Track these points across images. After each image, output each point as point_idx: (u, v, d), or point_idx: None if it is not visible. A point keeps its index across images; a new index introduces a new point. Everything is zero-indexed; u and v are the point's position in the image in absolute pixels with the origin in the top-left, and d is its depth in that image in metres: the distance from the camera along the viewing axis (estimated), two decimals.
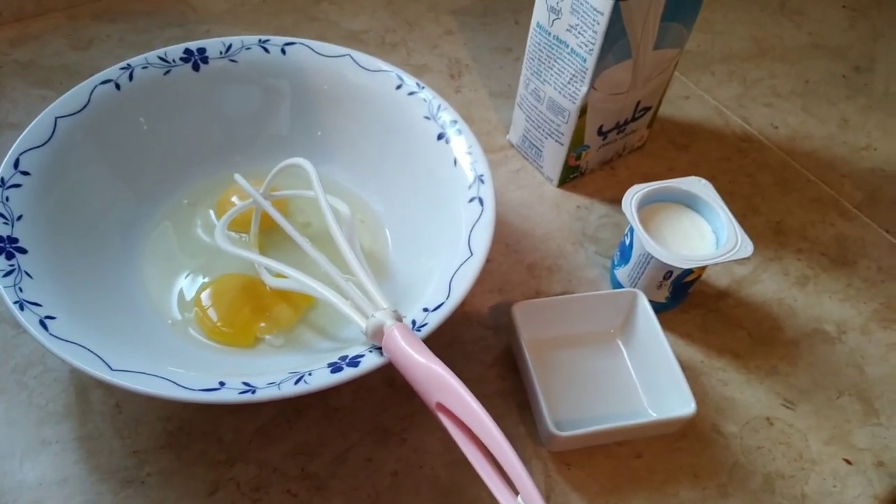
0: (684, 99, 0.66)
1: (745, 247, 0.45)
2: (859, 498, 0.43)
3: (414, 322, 0.38)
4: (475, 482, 0.40)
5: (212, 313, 0.44)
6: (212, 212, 0.49)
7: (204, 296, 0.45)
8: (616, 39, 0.47)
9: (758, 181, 0.59)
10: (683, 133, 0.62)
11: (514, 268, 0.51)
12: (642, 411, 0.44)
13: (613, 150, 0.57)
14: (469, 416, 0.32)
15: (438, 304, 0.39)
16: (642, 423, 0.42)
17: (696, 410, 0.41)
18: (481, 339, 0.47)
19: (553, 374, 0.45)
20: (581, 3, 0.46)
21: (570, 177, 0.57)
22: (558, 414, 0.43)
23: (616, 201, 0.56)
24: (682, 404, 0.41)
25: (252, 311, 0.45)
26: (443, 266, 0.42)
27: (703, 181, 0.48)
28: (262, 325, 0.44)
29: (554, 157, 0.55)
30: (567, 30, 0.48)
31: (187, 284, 0.46)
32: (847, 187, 0.60)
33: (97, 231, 0.44)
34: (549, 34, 0.49)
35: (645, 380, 0.45)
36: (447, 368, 0.33)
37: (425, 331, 0.37)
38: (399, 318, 0.36)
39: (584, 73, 0.48)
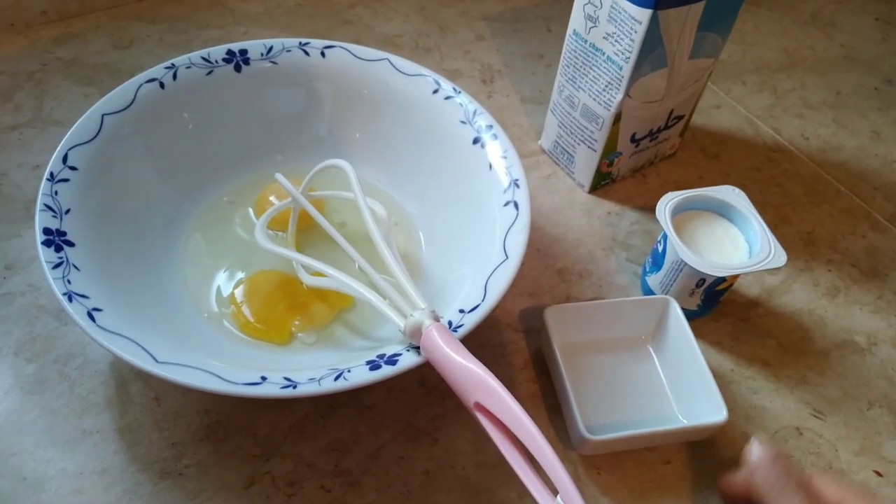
0: (716, 108, 0.66)
1: (779, 256, 0.45)
2: None
3: (450, 323, 0.38)
4: (505, 484, 0.41)
5: (246, 309, 0.45)
6: (251, 210, 0.50)
7: (239, 292, 0.46)
8: (653, 48, 0.47)
9: (788, 191, 0.59)
10: (714, 142, 0.63)
11: (544, 272, 0.52)
12: (673, 417, 0.44)
13: (645, 157, 0.58)
14: (508, 416, 0.32)
15: (474, 305, 0.39)
16: (673, 429, 0.42)
17: (728, 418, 0.41)
18: (511, 342, 0.48)
19: (584, 378, 0.45)
20: (619, 12, 0.46)
21: (602, 183, 0.57)
22: (589, 418, 0.43)
23: (647, 208, 0.56)
24: (713, 411, 0.42)
25: (287, 308, 0.46)
26: (477, 268, 0.43)
27: (737, 190, 0.48)
28: (297, 322, 0.45)
29: (586, 163, 0.55)
30: (604, 37, 0.48)
31: (225, 280, 0.47)
32: (878, 199, 0.60)
33: (140, 225, 0.45)
34: (586, 41, 0.50)
35: (676, 386, 0.45)
36: (485, 368, 0.34)
37: (461, 332, 0.37)
38: (437, 319, 0.37)
39: (620, 80, 0.49)
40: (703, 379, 0.43)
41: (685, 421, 0.44)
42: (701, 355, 0.43)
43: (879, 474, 0.44)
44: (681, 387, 0.45)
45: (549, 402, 0.45)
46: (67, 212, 0.41)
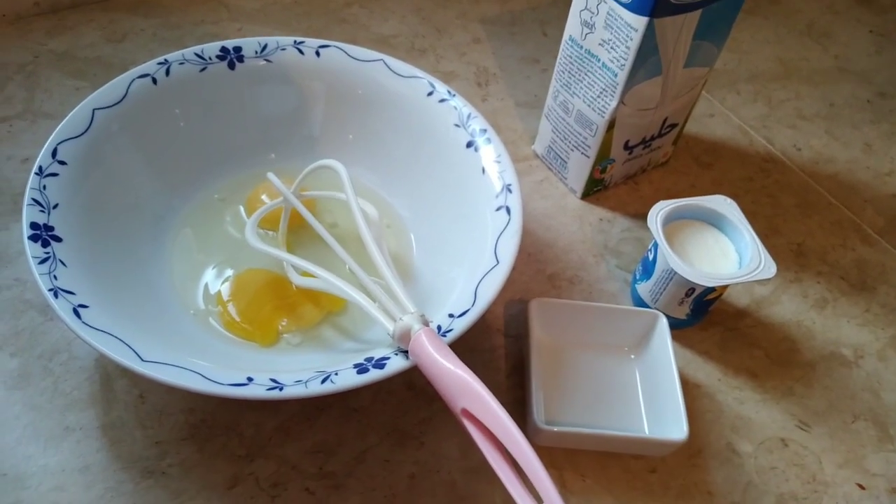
0: (709, 117, 0.66)
1: (769, 267, 0.45)
2: None
3: (439, 327, 0.38)
4: (490, 489, 0.41)
5: (232, 308, 0.45)
6: (241, 208, 0.50)
7: (226, 290, 0.46)
8: (648, 56, 0.47)
9: (780, 202, 0.60)
10: (707, 151, 0.63)
11: (535, 277, 0.52)
12: (639, 428, 0.44)
13: (638, 164, 0.58)
14: (494, 423, 0.32)
15: (464, 310, 0.39)
16: (629, 436, 0.43)
17: (687, 438, 0.41)
18: (499, 347, 0.48)
19: (558, 374, 0.45)
20: (615, 19, 0.46)
21: (594, 189, 0.57)
22: (556, 414, 0.43)
23: (638, 216, 0.56)
24: (676, 429, 0.42)
25: (274, 308, 0.45)
26: (468, 273, 0.43)
27: (729, 200, 0.48)
28: (284, 322, 0.45)
29: (579, 169, 0.55)
30: (600, 44, 0.48)
31: (213, 277, 0.46)
32: (869, 212, 0.60)
33: (129, 222, 0.45)
34: (581, 48, 0.50)
35: (649, 399, 0.45)
36: (473, 375, 0.34)
37: (450, 337, 0.37)
38: (426, 323, 0.37)
39: (615, 87, 0.49)
40: (674, 397, 0.43)
41: (648, 433, 0.44)
42: (677, 374, 0.43)
43: (862, 487, 0.44)
44: (653, 400, 0.45)
45: None
46: (56, 207, 0.40)
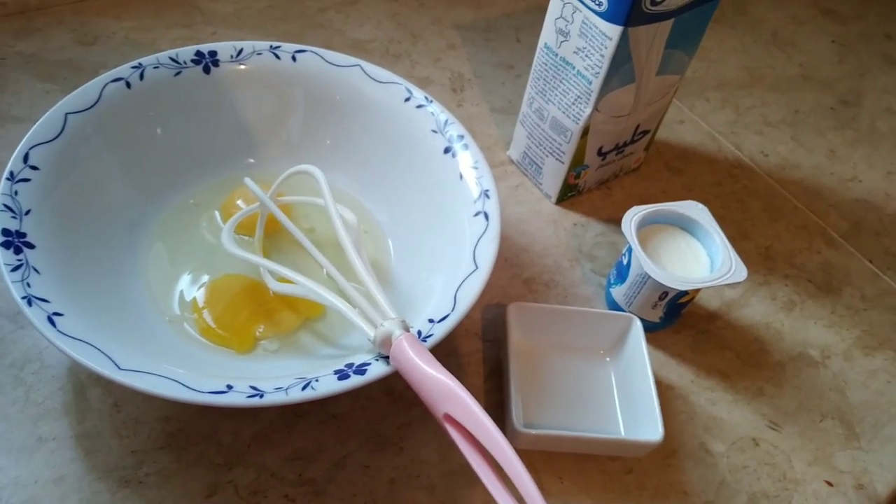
0: (679, 123, 0.67)
1: (740, 271, 0.46)
2: None
3: (419, 332, 0.39)
4: (471, 492, 0.42)
5: (207, 314, 0.44)
6: (217, 213, 0.49)
7: (201, 295, 0.45)
8: (622, 64, 0.48)
9: (748, 207, 0.61)
10: (678, 157, 0.64)
11: (511, 282, 0.52)
12: (615, 430, 0.45)
13: (611, 170, 0.59)
14: (477, 428, 0.32)
15: (444, 315, 0.39)
16: (606, 438, 0.44)
17: (663, 439, 0.42)
18: (477, 351, 0.48)
19: (536, 378, 0.46)
20: (590, 27, 0.47)
21: (569, 195, 0.58)
22: (533, 417, 0.44)
23: (611, 220, 0.57)
24: (651, 431, 0.42)
25: (251, 314, 0.45)
26: (446, 278, 0.43)
27: (700, 206, 0.50)
28: (261, 329, 0.45)
29: (554, 174, 0.56)
30: (574, 52, 0.49)
31: (188, 283, 0.46)
32: (833, 217, 0.62)
33: (103, 227, 0.44)
34: (556, 55, 0.51)
35: (625, 401, 0.46)
36: (455, 380, 0.34)
37: (431, 342, 0.38)
38: (407, 329, 0.37)
39: (589, 94, 0.50)
40: (649, 399, 0.43)
41: (625, 435, 0.44)
42: (652, 377, 0.44)
43: (830, 484, 0.45)
44: (629, 402, 0.45)
45: None
46: (28, 213, 0.40)
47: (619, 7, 0.44)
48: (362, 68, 0.50)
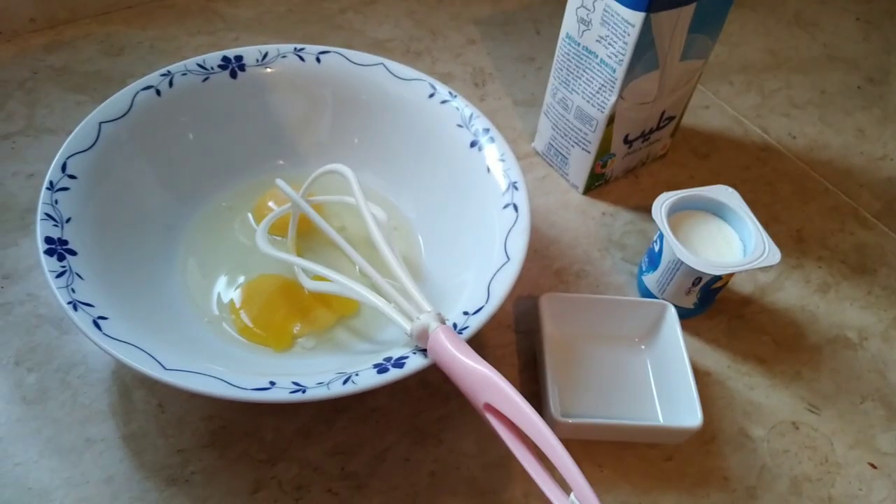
0: (704, 108, 0.67)
1: (773, 254, 0.46)
2: (885, 501, 0.44)
3: (455, 325, 0.39)
4: (511, 483, 0.42)
5: (245, 314, 0.45)
6: (250, 215, 0.50)
7: (238, 296, 0.46)
8: (645, 51, 0.48)
9: (778, 190, 0.61)
10: (704, 142, 0.64)
11: (542, 273, 0.52)
12: (653, 418, 0.45)
13: (637, 158, 0.58)
14: (518, 416, 0.32)
15: (478, 307, 0.40)
16: (645, 425, 0.44)
17: (702, 424, 0.41)
18: (510, 343, 0.48)
19: (571, 367, 0.46)
20: (612, 15, 0.47)
21: (596, 184, 0.58)
22: (570, 406, 0.44)
23: (640, 208, 0.57)
24: (690, 417, 0.42)
25: (287, 313, 0.46)
26: (478, 271, 0.43)
27: (730, 189, 0.49)
28: (297, 327, 0.45)
29: (580, 164, 0.56)
30: (597, 41, 0.49)
31: (224, 285, 0.47)
32: (865, 196, 0.61)
33: (140, 232, 0.45)
34: (579, 45, 0.51)
35: (662, 388, 0.46)
36: (494, 369, 0.34)
37: (467, 333, 0.38)
38: (443, 321, 0.37)
39: (613, 83, 0.49)
40: (687, 385, 0.43)
41: (663, 422, 0.44)
42: (688, 362, 0.44)
43: (874, 466, 0.45)
44: (666, 389, 0.45)
45: None
46: (68, 220, 0.40)
47: None
48: (386, 66, 0.51)
